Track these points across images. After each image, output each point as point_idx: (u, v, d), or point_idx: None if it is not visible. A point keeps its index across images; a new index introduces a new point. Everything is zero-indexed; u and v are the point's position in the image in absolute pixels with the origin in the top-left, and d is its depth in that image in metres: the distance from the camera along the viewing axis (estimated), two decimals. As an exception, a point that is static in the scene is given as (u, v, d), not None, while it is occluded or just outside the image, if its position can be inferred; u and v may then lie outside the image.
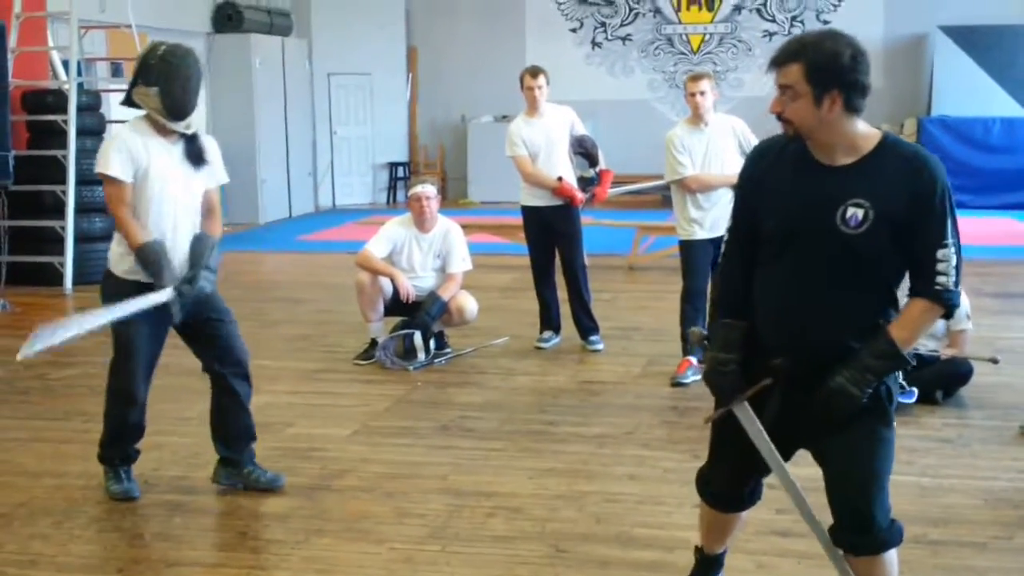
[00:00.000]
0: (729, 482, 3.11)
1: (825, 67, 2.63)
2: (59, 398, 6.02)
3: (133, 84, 4.20)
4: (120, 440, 4.43)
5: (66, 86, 9.80)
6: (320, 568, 3.80)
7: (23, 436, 5.32)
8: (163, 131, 4.18)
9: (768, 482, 3.13)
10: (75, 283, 9.38)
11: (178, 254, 4.19)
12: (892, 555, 2.89)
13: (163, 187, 4.17)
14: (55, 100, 9.83)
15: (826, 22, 15.38)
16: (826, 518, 2.92)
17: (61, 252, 9.42)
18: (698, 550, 3.36)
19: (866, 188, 2.67)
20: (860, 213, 2.65)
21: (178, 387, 6.08)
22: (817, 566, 2.86)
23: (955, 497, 4.36)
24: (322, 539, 4.02)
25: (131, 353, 4.27)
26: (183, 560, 3.88)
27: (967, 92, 14.32)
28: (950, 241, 2.64)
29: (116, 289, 4.21)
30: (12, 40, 9.64)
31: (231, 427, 4.47)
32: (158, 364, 4.40)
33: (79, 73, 9.98)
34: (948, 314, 2.74)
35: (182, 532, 4.12)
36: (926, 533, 3.97)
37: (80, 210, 9.60)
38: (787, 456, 2.98)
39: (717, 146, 6.11)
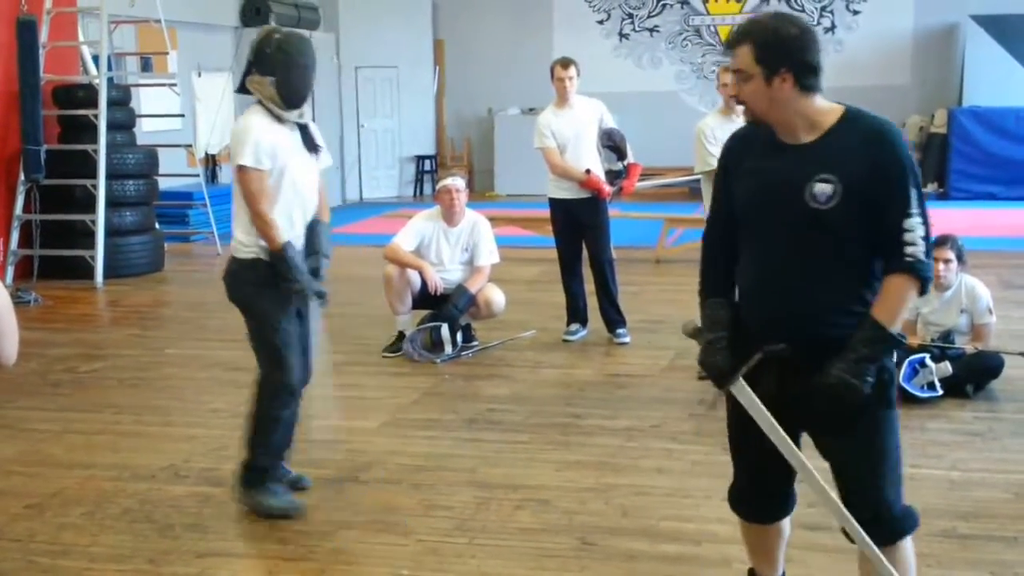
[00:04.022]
0: (753, 488, 3.04)
1: (772, 47, 2.64)
2: (89, 390, 6.07)
3: (247, 72, 4.09)
4: (282, 445, 4.28)
5: (96, 81, 9.88)
6: (347, 560, 3.83)
7: (54, 428, 5.37)
8: (279, 119, 4.09)
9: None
10: (106, 276, 9.45)
11: (299, 242, 4.15)
12: (907, 544, 2.84)
13: (291, 177, 4.10)
14: (86, 95, 9.91)
15: (856, 12, 15.27)
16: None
17: (92, 246, 9.48)
18: (751, 573, 3.26)
19: (831, 163, 2.65)
20: (829, 188, 2.64)
21: (207, 379, 6.15)
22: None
23: (985, 491, 4.32)
24: (349, 531, 4.04)
25: (287, 349, 4.15)
26: (213, 551, 3.91)
27: (999, 82, 14.16)
28: (915, 211, 2.61)
29: (253, 273, 4.12)
30: (43, 35, 9.74)
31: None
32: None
33: (109, 68, 10.08)
34: (923, 288, 2.66)
35: (212, 523, 4.15)
36: (955, 527, 3.94)
37: (111, 204, 9.68)
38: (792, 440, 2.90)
39: (748, 138, 6.05)
